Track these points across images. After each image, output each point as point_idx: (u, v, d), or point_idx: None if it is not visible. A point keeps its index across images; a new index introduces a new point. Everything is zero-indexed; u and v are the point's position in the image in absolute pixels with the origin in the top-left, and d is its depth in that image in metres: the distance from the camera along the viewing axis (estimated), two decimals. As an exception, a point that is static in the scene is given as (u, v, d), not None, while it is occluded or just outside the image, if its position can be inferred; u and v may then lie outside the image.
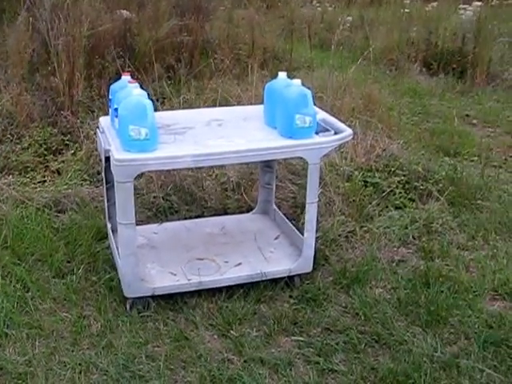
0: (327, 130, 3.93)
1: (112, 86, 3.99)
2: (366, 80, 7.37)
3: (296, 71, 7.89)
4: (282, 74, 4.07)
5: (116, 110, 3.71)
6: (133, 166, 3.52)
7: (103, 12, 7.35)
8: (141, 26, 7.53)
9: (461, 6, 10.82)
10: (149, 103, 3.57)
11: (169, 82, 6.87)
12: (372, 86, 7.08)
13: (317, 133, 3.88)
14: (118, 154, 3.52)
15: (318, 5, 11.91)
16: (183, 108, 5.84)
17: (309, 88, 3.89)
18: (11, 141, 5.87)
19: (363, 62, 7.24)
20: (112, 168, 3.57)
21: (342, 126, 4.05)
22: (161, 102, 6.17)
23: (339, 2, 12.39)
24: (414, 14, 10.40)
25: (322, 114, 4.15)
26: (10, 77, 6.60)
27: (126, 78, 3.95)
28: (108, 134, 3.87)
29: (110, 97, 3.98)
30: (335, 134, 3.93)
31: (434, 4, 10.91)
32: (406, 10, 10.35)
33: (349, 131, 3.99)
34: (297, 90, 3.81)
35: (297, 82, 3.84)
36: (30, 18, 6.81)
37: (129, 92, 3.64)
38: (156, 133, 3.62)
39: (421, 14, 10.45)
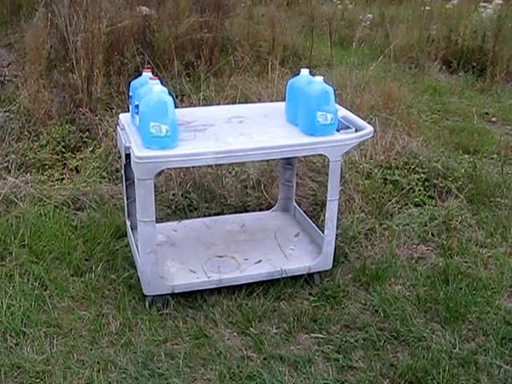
0: (348, 128, 3.92)
1: (132, 83, 3.98)
2: (386, 78, 7.35)
3: (316, 68, 7.89)
4: (305, 71, 4.06)
5: (137, 106, 3.72)
6: (153, 163, 3.52)
7: (122, 8, 7.36)
8: (160, 23, 7.53)
9: (481, 3, 10.79)
10: (170, 100, 3.57)
11: (188, 79, 6.86)
12: (392, 83, 7.05)
13: (338, 130, 3.88)
14: (138, 151, 3.53)
15: (338, 2, 11.88)
16: (202, 105, 5.85)
17: (330, 85, 3.88)
18: (29, 138, 5.89)
19: (383, 59, 7.23)
20: (132, 165, 3.57)
21: (362, 123, 4.04)
22: (180, 99, 6.17)
23: (360, -1, 12.42)
24: (435, 11, 10.37)
25: (343, 112, 4.15)
26: (27, 73, 6.62)
27: (146, 74, 3.94)
28: (128, 130, 3.87)
29: (130, 93, 3.98)
30: (356, 131, 3.93)
31: (455, 2, 10.87)
32: (427, 8, 10.32)
33: (370, 128, 3.99)
34: (319, 87, 3.80)
35: (319, 78, 3.83)
36: (48, 14, 6.84)
37: (150, 89, 3.64)
38: (177, 130, 3.61)
39: (441, 12, 10.42)
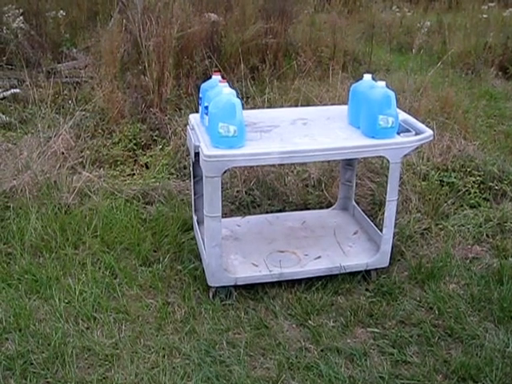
0: (408, 131, 3.89)
1: (203, 85, 4.00)
2: (443, 83, 7.27)
3: (375, 73, 7.83)
4: (368, 76, 4.03)
5: (206, 107, 3.73)
6: (221, 162, 3.54)
7: (192, 15, 7.40)
8: (228, 29, 7.55)
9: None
10: (238, 102, 3.58)
11: (252, 82, 6.87)
12: (449, 89, 6.96)
13: (398, 133, 3.84)
14: (207, 150, 3.54)
15: (397, 10, 11.76)
16: (266, 107, 5.85)
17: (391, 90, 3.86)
18: (103, 136, 5.99)
19: (441, 65, 7.17)
20: (201, 163, 3.59)
21: (422, 126, 4.00)
22: (244, 100, 6.18)
23: (417, 7, 12.27)
24: (492, 19, 10.22)
25: (403, 115, 4.11)
26: (102, 75, 6.74)
27: (216, 77, 3.97)
28: (198, 130, 3.89)
29: (200, 95, 4.00)
30: (416, 134, 3.89)
31: (512, 10, 10.71)
32: (484, 16, 10.18)
33: (429, 132, 3.95)
34: (381, 92, 3.77)
35: (381, 83, 3.80)
36: (123, 20, 6.93)
37: (219, 91, 3.66)
38: (244, 130, 3.62)
39: (498, 20, 10.25)
